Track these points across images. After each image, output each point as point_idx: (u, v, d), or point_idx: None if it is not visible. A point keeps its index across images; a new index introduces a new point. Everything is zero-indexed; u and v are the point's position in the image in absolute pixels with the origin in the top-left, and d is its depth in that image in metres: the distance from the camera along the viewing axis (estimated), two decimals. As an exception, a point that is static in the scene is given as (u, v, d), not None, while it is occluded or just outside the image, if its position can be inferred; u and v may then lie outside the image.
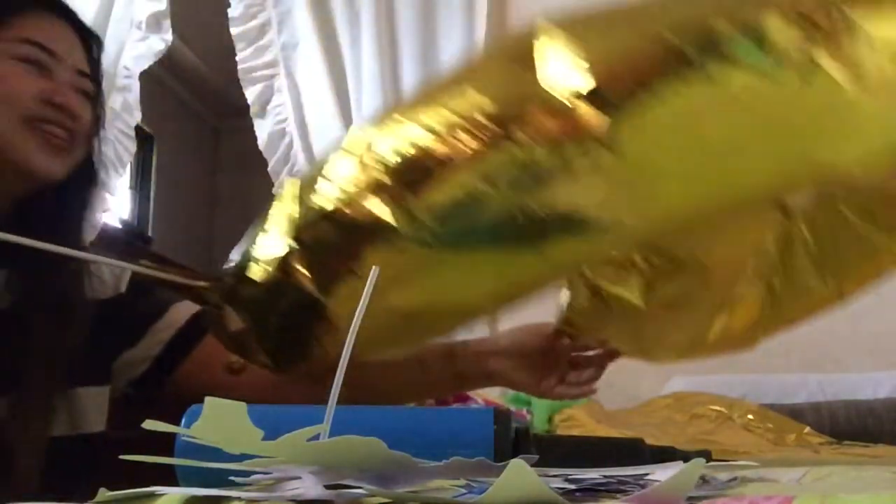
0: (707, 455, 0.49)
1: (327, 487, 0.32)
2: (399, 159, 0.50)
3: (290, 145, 1.50)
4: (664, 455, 0.47)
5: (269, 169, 1.52)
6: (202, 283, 0.65)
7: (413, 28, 1.47)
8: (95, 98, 0.88)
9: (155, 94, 3.27)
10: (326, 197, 0.54)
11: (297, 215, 0.56)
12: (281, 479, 0.35)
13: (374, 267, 0.40)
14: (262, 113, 1.53)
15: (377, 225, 0.51)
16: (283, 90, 1.52)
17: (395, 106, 0.55)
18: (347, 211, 0.52)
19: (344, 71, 1.48)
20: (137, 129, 1.68)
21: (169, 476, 0.45)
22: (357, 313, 0.46)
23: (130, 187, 3.41)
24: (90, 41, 0.88)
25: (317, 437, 0.32)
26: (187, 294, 0.82)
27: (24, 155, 0.78)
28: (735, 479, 0.43)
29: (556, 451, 0.45)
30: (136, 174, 3.47)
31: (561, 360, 0.84)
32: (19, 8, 0.81)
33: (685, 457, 0.45)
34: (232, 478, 0.36)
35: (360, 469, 0.34)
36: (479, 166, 0.48)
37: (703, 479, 0.41)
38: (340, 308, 0.54)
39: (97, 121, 0.89)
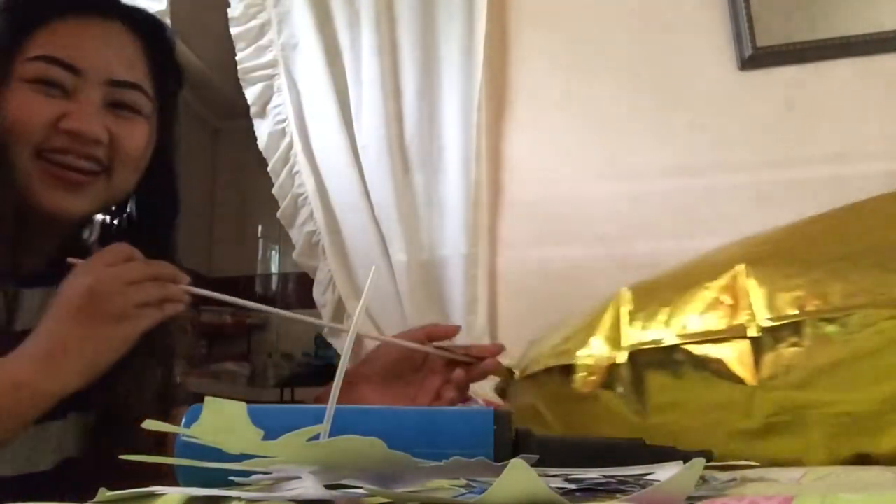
0: (707, 455, 0.49)
1: (327, 487, 0.32)
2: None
3: (290, 145, 1.50)
4: (664, 455, 0.46)
5: (269, 169, 1.52)
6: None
7: (413, 28, 1.46)
8: (164, 109, 0.75)
9: (155, 94, 3.27)
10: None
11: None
12: (281, 479, 0.35)
13: (373, 266, 0.40)
14: (262, 113, 1.53)
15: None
16: (283, 90, 1.52)
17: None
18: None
19: (344, 71, 1.48)
20: (137, 128, 1.67)
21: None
22: (357, 313, 0.46)
23: (130, 187, 3.41)
24: (148, 38, 0.74)
25: (317, 437, 0.32)
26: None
27: (32, 192, 0.67)
28: (735, 479, 0.43)
29: (556, 451, 0.45)
30: (136, 174, 3.47)
31: (433, 368, 0.75)
32: (41, 21, 0.68)
33: (685, 457, 0.45)
34: (232, 478, 0.36)
35: (360, 469, 0.34)
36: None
37: (703, 479, 0.41)
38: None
39: (166, 135, 0.76)
